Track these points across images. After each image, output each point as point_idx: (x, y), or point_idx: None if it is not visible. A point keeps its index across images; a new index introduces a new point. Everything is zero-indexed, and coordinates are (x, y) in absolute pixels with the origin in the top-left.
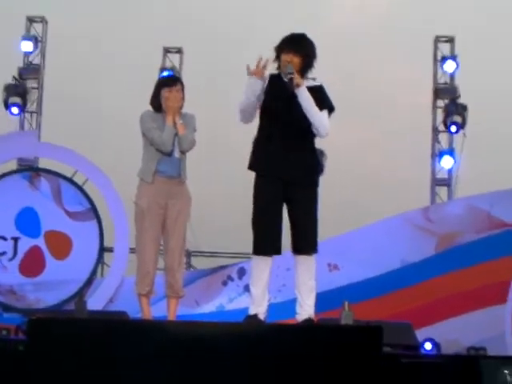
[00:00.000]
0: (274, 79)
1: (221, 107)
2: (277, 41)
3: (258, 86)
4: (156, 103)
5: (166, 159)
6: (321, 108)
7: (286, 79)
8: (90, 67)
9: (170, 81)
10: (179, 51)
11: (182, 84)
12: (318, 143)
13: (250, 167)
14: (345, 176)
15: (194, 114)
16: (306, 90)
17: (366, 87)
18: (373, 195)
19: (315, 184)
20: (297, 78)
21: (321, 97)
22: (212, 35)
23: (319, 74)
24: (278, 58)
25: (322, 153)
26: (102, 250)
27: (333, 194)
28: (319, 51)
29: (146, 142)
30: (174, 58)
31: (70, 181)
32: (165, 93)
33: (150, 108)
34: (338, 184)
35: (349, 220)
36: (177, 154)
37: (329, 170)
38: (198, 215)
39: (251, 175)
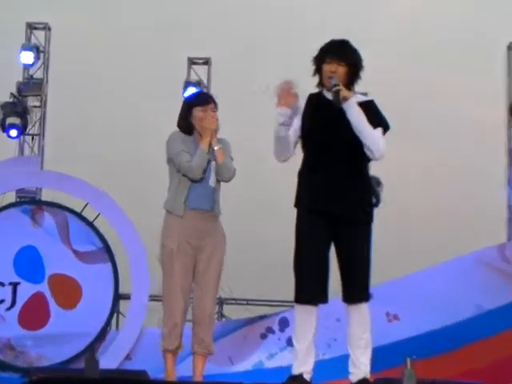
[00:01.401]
0: (315, 98)
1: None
2: (315, 51)
3: (286, 118)
4: (186, 125)
5: (199, 188)
6: (373, 126)
7: (330, 94)
8: (101, 81)
9: (202, 99)
10: (207, 62)
11: (215, 103)
12: (375, 170)
13: (295, 204)
14: (401, 209)
15: (228, 141)
16: (355, 104)
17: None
18: (436, 230)
19: (368, 219)
20: (344, 91)
21: (373, 113)
22: (244, 44)
23: (370, 87)
24: (318, 71)
25: (378, 182)
26: (118, 297)
27: (388, 230)
28: (375, 61)
29: (172, 169)
30: (200, 71)
31: (79, 216)
32: (198, 112)
33: (175, 129)
34: (394, 218)
35: (408, 261)
36: (212, 182)
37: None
38: (231, 256)
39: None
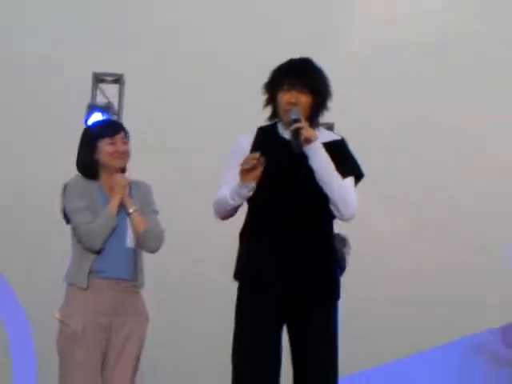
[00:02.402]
0: (266, 134)
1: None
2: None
3: (250, 190)
4: (89, 166)
5: (111, 250)
6: (343, 174)
7: (287, 133)
8: None
9: (110, 128)
10: (118, 80)
11: (126, 132)
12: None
13: (235, 276)
14: (385, 275)
15: (148, 184)
16: (321, 148)
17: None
18: (434, 304)
19: (334, 297)
20: (306, 130)
21: (342, 158)
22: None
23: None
24: (270, 100)
25: (342, 241)
26: None
27: (364, 309)
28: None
29: (72, 228)
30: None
31: None
32: (105, 146)
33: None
34: (374, 289)
35: (390, 345)
36: (129, 243)
37: (359, 268)
38: (152, 339)
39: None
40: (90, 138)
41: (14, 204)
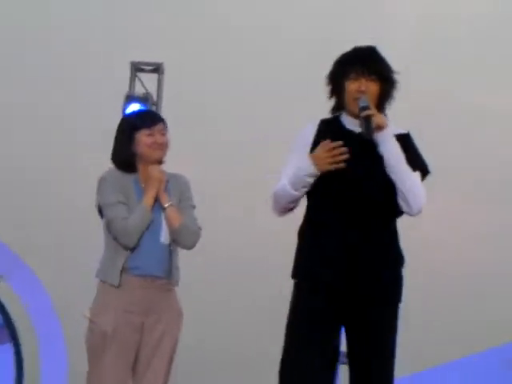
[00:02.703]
0: (330, 126)
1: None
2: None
3: (314, 178)
4: (126, 158)
5: (145, 247)
6: (412, 168)
7: (351, 120)
8: None
9: (148, 118)
10: (157, 69)
11: (164, 123)
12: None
13: (293, 275)
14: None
15: (186, 178)
16: (392, 136)
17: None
18: (488, 306)
19: (398, 298)
20: (378, 117)
21: (410, 152)
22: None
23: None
24: (335, 90)
25: None
26: None
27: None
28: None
29: (105, 223)
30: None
31: None
32: (143, 137)
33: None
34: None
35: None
36: (164, 238)
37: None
38: (187, 336)
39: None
40: (127, 130)
41: (53, 202)
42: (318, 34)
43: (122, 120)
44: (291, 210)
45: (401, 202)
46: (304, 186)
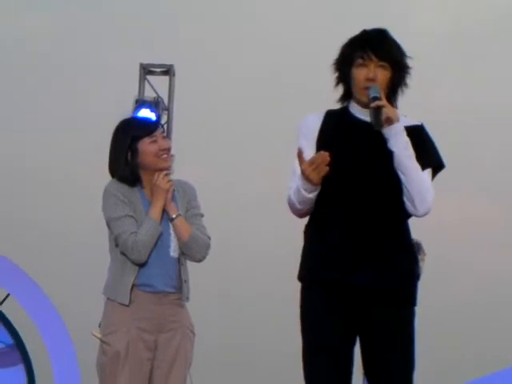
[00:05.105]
0: (337, 117)
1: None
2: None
3: (314, 191)
4: (129, 171)
5: (154, 261)
6: (422, 166)
7: (360, 110)
8: None
9: (148, 126)
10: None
11: (162, 127)
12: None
13: (299, 276)
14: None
15: (192, 185)
16: (403, 130)
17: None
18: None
19: (413, 299)
20: (389, 108)
21: (422, 146)
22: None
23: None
24: (343, 78)
25: (417, 246)
26: None
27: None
28: None
29: (113, 238)
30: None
31: None
32: (147, 146)
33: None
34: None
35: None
36: (174, 252)
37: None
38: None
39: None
40: (127, 140)
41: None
42: (329, 35)
43: (118, 131)
44: (311, 209)
45: (406, 202)
46: (310, 200)
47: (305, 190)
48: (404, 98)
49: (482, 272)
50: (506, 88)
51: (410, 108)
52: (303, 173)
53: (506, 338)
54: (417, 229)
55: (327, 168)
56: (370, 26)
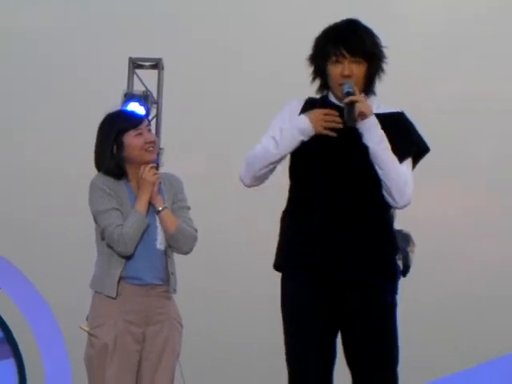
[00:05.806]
0: (315, 106)
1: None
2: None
3: (304, 138)
4: (115, 164)
5: (141, 253)
6: (400, 156)
7: (338, 100)
8: None
9: (134, 118)
10: (156, 66)
11: (148, 119)
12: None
13: (276, 264)
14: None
15: (179, 178)
16: (377, 124)
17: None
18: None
19: (393, 287)
20: (362, 104)
21: (402, 134)
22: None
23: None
24: (318, 72)
25: (407, 239)
26: None
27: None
28: None
29: (99, 231)
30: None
31: None
32: (132, 139)
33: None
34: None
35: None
36: (160, 244)
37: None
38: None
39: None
40: (112, 134)
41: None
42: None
43: (104, 124)
44: (262, 180)
45: (385, 195)
46: (289, 146)
47: (301, 131)
48: (403, 96)
49: (476, 264)
50: (505, 85)
51: (410, 107)
52: (321, 115)
53: (499, 331)
54: (408, 220)
55: (333, 124)
56: (369, 26)
